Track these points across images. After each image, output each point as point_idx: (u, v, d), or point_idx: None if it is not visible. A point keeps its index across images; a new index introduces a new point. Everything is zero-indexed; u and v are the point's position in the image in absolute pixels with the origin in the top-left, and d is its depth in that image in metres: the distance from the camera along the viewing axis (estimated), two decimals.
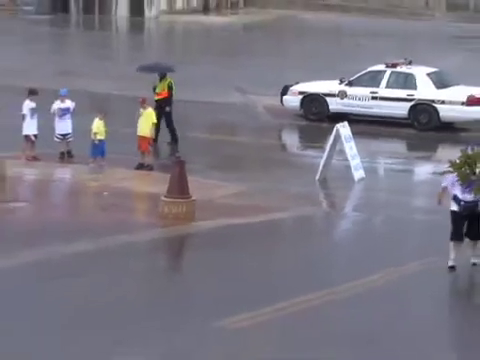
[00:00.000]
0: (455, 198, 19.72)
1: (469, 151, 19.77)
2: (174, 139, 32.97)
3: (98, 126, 30.16)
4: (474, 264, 19.90)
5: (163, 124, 33.41)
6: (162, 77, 34.15)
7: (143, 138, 30.34)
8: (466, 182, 19.26)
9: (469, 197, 19.25)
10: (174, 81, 34.27)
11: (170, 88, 33.97)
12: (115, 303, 18.52)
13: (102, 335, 16.75)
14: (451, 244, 19.87)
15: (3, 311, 18.07)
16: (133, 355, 15.97)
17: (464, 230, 19.91)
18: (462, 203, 19.41)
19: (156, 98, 33.41)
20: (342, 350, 16.08)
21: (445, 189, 19.88)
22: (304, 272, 20.13)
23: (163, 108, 33.01)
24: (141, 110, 31.11)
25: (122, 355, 15.96)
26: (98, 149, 30.06)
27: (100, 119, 30.33)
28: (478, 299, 18.64)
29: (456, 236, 19.79)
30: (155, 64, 36.14)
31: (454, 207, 19.53)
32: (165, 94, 33.40)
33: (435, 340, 16.70)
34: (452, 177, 19.83)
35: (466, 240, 20.24)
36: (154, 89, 33.82)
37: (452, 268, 19.80)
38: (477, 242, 20.14)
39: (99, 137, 30.10)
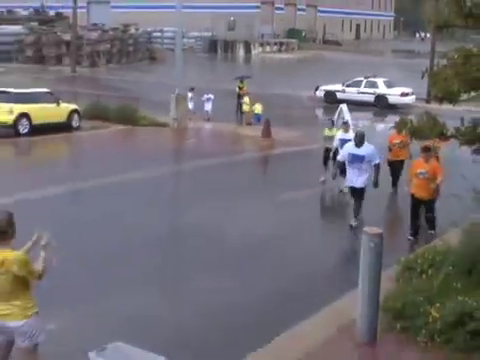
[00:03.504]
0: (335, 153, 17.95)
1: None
2: (240, 111, 32.38)
3: (257, 107, 30.40)
4: (340, 191, 17.84)
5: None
6: (242, 81, 33.83)
7: (248, 112, 30.68)
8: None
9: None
10: (247, 83, 33.97)
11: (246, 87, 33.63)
12: (234, 183, 18.93)
13: (228, 197, 17.24)
14: (322, 167, 18.76)
15: (191, 186, 18.56)
16: (233, 209, 16.28)
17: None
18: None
19: (240, 92, 33.13)
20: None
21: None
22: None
23: (242, 97, 32.49)
24: (245, 98, 31.35)
25: (228, 202, 16.41)
26: (255, 118, 30.17)
27: (259, 104, 30.53)
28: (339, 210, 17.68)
29: (324, 162, 18.68)
30: (241, 75, 35.74)
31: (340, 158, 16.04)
32: (245, 91, 33.04)
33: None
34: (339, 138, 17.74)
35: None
36: (239, 88, 33.47)
37: (322, 182, 18.44)
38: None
39: (256, 112, 30.32)
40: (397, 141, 17.90)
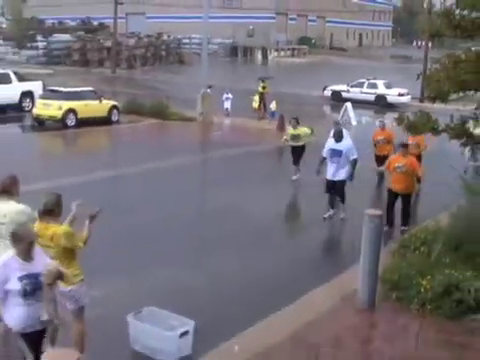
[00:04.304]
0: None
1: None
2: (264, 109, 31.86)
3: (273, 105, 30.21)
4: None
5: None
6: (263, 81, 33.32)
7: (257, 108, 30.77)
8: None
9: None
10: (268, 83, 33.33)
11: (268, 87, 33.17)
12: (254, 170, 18.80)
13: (249, 183, 17.15)
14: (293, 167, 17.58)
15: (218, 173, 18.47)
16: (253, 193, 16.22)
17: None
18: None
19: (262, 91, 32.71)
20: None
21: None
22: None
23: (264, 95, 32.16)
24: (255, 96, 31.22)
25: (249, 185, 16.35)
26: (271, 114, 29.79)
27: (276, 102, 30.36)
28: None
29: (294, 162, 17.53)
30: (263, 76, 35.18)
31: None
32: (266, 90, 32.69)
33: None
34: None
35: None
36: (263, 87, 32.98)
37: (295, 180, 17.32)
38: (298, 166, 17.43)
39: (272, 109, 30.03)
40: (381, 137, 17.41)
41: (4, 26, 76.45)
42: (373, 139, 17.71)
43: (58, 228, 6.71)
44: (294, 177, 17.46)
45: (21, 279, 5.66)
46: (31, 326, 5.76)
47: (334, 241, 13.13)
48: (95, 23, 73.29)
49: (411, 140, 16.27)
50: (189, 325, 7.40)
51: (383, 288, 9.30)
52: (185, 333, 7.33)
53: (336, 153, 13.56)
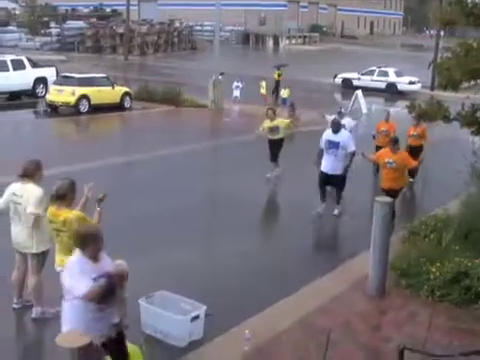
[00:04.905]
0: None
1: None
2: (277, 95, 32.05)
3: (284, 92, 30.19)
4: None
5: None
6: (279, 68, 33.41)
7: (264, 94, 30.74)
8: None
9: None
10: (283, 71, 33.45)
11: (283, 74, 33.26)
12: (264, 156, 18.77)
13: (251, 165, 17.14)
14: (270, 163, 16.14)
15: (228, 158, 18.44)
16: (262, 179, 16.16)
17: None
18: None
19: (278, 79, 32.89)
20: None
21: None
22: None
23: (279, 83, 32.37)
24: (262, 82, 31.19)
25: (259, 173, 16.25)
26: (283, 101, 29.69)
27: (285, 88, 30.30)
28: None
29: (272, 158, 16.14)
30: (277, 64, 35.30)
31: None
32: (281, 77, 32.72)
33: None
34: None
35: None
36: (278, 75, 33.09)
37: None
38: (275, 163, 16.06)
39: (283, 96, 30.11)
40: (383, 129, 16.84)
41: (18, 13, 76.55)
42: (377, 129, 17.19)
43: (70, 213, 6.74)
44: (268, 175, 16.02)
45: (95, 280, 5.29)
46: (109, 330, 5.47)
47: (343, 229, 13.05)
48: (108, 10, 73.34)
49: (413, 131, 16.12)
50: (200, 309, 7.41)
51: (393, 275, 9.29)
52: (196, 317, 7.34)
53: (333, 144, 12.78)
